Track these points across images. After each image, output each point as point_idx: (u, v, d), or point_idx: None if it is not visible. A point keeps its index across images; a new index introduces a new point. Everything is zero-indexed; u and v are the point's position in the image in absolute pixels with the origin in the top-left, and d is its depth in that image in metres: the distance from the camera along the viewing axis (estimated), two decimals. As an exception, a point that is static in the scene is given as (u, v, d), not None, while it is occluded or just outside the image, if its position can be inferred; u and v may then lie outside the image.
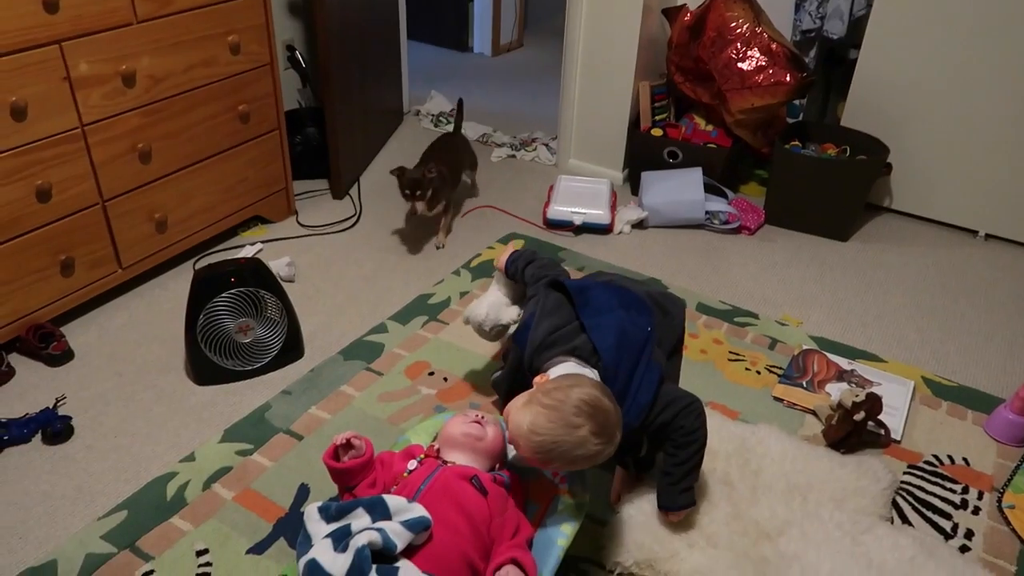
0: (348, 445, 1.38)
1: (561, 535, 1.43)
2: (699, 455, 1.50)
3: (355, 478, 1.38)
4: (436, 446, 1.52)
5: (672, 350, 1.69)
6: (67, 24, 1.90)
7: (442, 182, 2.56)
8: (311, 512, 1.30)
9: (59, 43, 1.90)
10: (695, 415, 1.48)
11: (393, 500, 1.27)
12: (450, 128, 3.58)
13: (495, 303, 1.86)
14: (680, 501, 1.51)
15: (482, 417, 1.55)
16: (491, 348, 2.13)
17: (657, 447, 1.62)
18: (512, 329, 1.85)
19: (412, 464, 1.41)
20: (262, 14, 2.41)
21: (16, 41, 1.81)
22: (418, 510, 1.26)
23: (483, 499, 1.35)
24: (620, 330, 1.53)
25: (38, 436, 1.79)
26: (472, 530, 1.30)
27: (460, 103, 3.05)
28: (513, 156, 3.37)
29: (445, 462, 1.42)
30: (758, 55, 2.73)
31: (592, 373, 1.46)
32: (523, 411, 1.36)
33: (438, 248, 2.64)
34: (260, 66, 2.46)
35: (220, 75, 2.34)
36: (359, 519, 1.25)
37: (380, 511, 1.25)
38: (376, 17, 3.18)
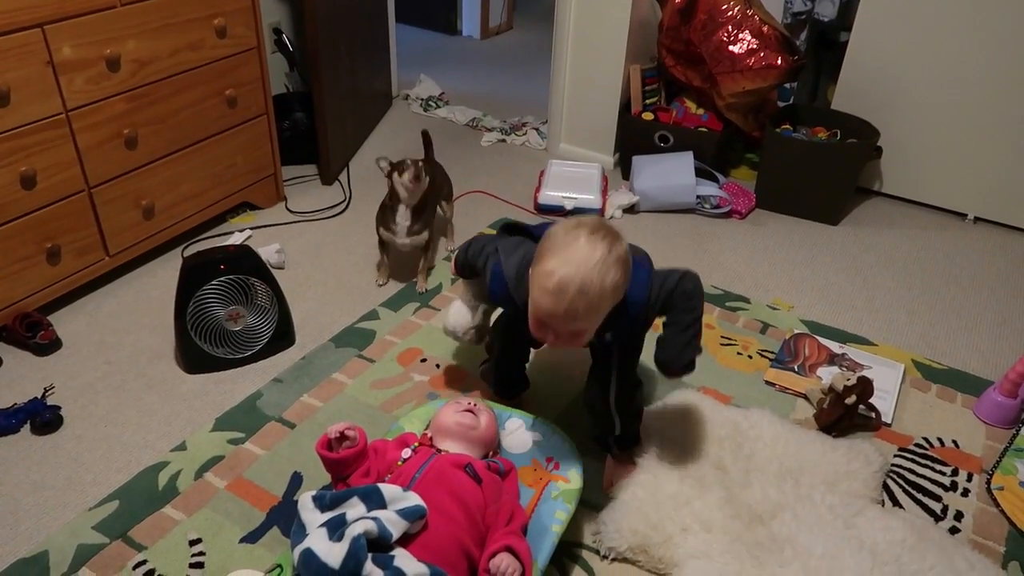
0: (342, 437, 1.37)
1: (555, 521, 1.44)
2: (700, 321, 1.45)
3: (349, 468, 1.37)
4: (429, 434, 1.52)
5: None
6: (50, 7, 1.86)
7: (432, 207, 2.30)
8: (305, 501, 1.30)
9: (41, 26, 1.86)
10: (694, 281, 1.46)
11: (388, 489, 1.27)
12: (441, 111, 3.56)
13: (458, 309, 1.82)
14: (684, 356, 1.44)
15: (474, 405, 1.55)
16: (483, 334, 2.12)
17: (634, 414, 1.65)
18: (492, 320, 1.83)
19: (406, 453, 1.40)
20: (248, -4, 2.37)
21: (-3, 24, 1.78)
22: (413, 499, 1.26)
23: (477, 487, 1.35)
24: None
25: (27, 426, 1.77)
26: (467, 518, 1.30)
27: (426, 135, 2.59)
28: (503, 141, 3.35)
29: (439, 450, 1.42)
30: (749, 38, 2.72)
31: None
32: (532, 290, 1.33)
33: (422, 294, 2.31)
34: (247, 50, 2.42)
35: (206, 59, 2.30)
36: (354, 508, 1.25)
37: (375, 500, 1.25)
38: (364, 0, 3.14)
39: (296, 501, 1.36)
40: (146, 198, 2.25)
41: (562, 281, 1.26)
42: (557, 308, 1.28)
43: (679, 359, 1.45)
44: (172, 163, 2.31)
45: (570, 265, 1.27)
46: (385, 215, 2.26)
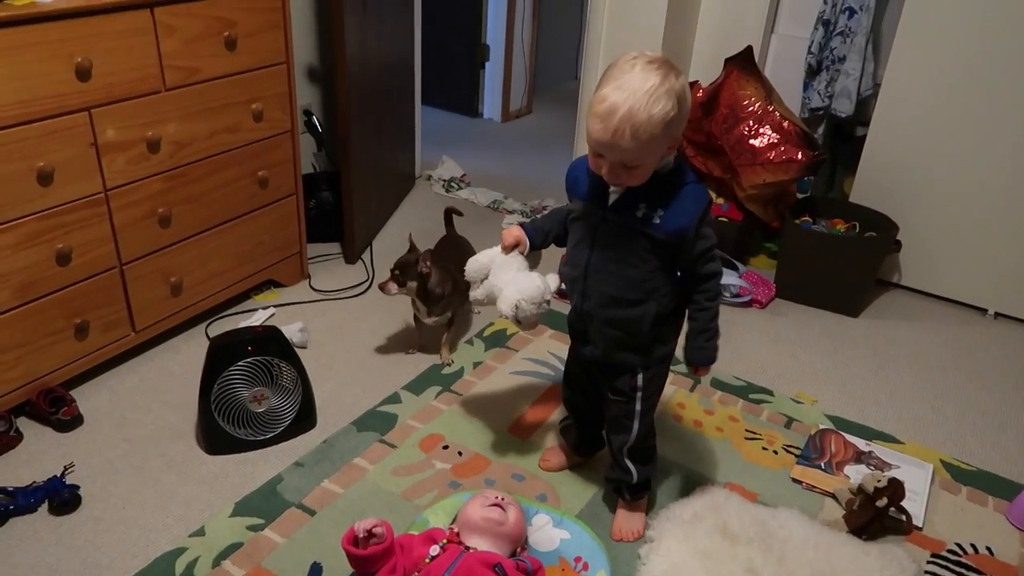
0: (369, 534, 1.35)
1: (584, 625, 1.40)
2: (718, 310, 1.56)
3: (376, 565, 1.35)
4: (456, 529, 1.49)
5: None
6: (98, 92, 1.93)
7: (453, 288, 2.28)
8: (331, 599, 1.27)
9: (89, 110, 1.93)
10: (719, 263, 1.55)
11: (417, 590, 1.24)
12: (463, 192, 3.62)
13: (527, 277, 1.65)
14: (711, 355, 1.57)
15: (502, 499, 1.53)
16: (506, 422, 2.10)
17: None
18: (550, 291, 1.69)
19: (434, 550, 1.38)
20: (286, 82, 2.45)
21: (48, 108, 1.84)
22: (443, 601, 1.23)
23: (507, 588, 1.32)
24: None
25: (45, 506, 1.75)
26: (496, 621, 1.27)
27: (448, 213, 2.67)
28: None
29: (467, 548, 1.40)
30: (770, 132, 2.78)
31: None
32: (587, 118, 1.38)
33: (446, 365, 2.35)
34: (281, 132, 2.49)
35: (242, 141, 2.36)
36: (383, 610, 1.22)
37: (404, 601, 1.22)
38: (393, 83, 3.24)
39: (319, 597, 1.33)
40: (175, 275, 2.28)
41: (612, 105, 1.31)
42: (605, 132, 1.33)
43: (708, 356, 1.57)
44: (202, 241, 2.34)
45: (622, 91, 1.31)
46: (412, 296, 2.30)
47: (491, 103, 4.81)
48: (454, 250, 2.47)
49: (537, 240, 1.71)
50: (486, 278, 1.68)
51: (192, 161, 2.23)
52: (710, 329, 1.55)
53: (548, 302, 1.65)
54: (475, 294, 1.72)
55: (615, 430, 1.70)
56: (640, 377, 1.62)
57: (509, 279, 1.64)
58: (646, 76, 1.32)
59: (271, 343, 1.96)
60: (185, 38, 2.09)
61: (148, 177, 2.12)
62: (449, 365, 2.35)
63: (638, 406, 1.64)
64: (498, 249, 1.69)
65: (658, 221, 1.44)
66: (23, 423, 1.99)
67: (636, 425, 1.66)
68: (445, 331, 2.38)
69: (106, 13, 1.89)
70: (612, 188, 1.49)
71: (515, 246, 1.68)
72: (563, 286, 1.70)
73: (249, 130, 2.37)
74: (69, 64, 1.85)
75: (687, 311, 1.58)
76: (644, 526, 1.75)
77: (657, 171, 1.44)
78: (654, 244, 1.48)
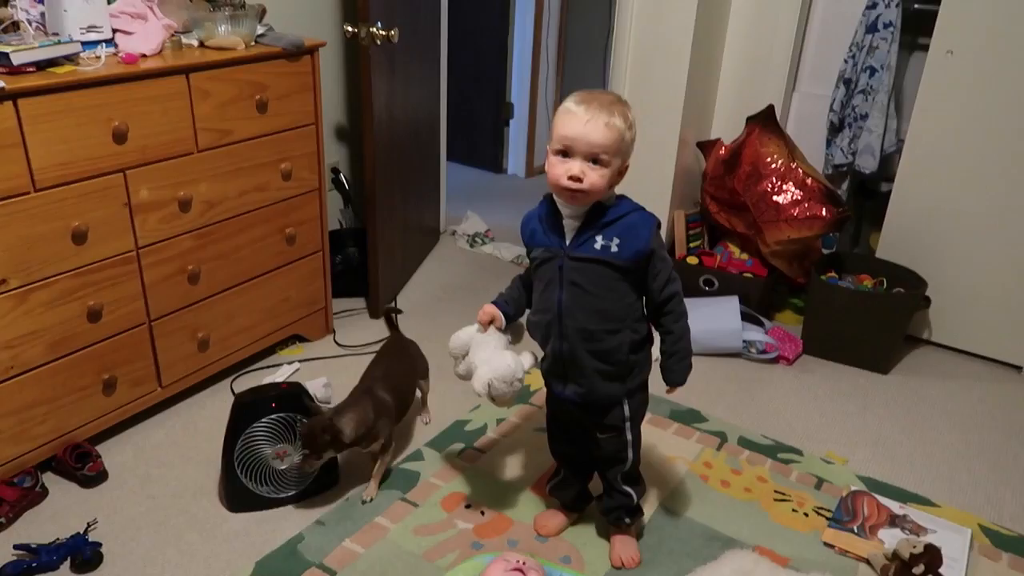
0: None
1: None
2: (685, 329, 1.64)
3: (396, 630, 1.32)
4: (478, 593, 1.46)
5: None
6: (134, 154, 1.99)
7: (377, 416, 1.94)
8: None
9: (124, 171, 1.98)
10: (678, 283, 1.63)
11: (438, 658, 1.21)
12: (487, 248, 3.65)
13: (504, 355, 1.65)
14: (684, 376, 1.67)
15: (523, 563, 1.50)
16: (530, 480, 2.08)
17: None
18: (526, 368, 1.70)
19: (456, 616, 1.35)
20: (315, 142, 2.51)
21: (85, 169, 1.89)
22: (463, 670, 1.20)
23: (530, 657, 1.28)
24: None
25: (67, 563, 1.75)
26: None
27: (391, 311, 2.57)
28: (547, 278, 3.40)
29: (489, 614, 1.37)
30: (794, 189, 2.78)
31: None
32: (556, 125, 1.51)
33: (364, 503, 1.96)
34: (309, 191, 2.54)
35: (271, 200, 2.41)
36: None
37: (424, 670, 1.19)
38: (419, 141, 3.31)
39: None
40: (203, 331, 2.31)
41: (581, 106, 1.47)
42: (578, 122, 1.46)
43: (683, 376, 1.68)
44: (230, 297, 2.37)
45: (589, 98, 1.49)
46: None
47: (515, 159, 4.88)
48: (399, 356, 2.24)
49: (510, 311, 1.76)
50: (467, 354, 1.72)
51: (222, 219, 2.27)
52: (679, 351, 1.65)
53: (521, 380, 1.67)
54: (457, 370, 1.75)
55: (610, 464, 1.76)
56: (627, 407, 1.69)
57: (484, 358, 1.67)
58: (605, 93, 1.52)
59: (295, 399, 1.97)
60: (219, 102, 2.16)
61: (179, 235, 2.17)
62: (370, 502, 1.98)
63: (629, 436, 1.72)
64: (476, 327, 1.73)
65: (616, 250, 1.55)
66: (48, 478, 2.01)
67: (631, 454, 1.74)
68: (375, 461, 2.01)
69: (144, 79, 1.97)
70: (567, 222, 1.57)
71: (490, 323, 1.73)
72: (536, 364, 1.75)
73: (277, 189, 2.42)
74: (107, 128, 1.91)
75: (659, 335, 1.68)
76: (639, 551, 1.82)
77: (602, 203, 1.56)
78: (618, 272, 1.57)
